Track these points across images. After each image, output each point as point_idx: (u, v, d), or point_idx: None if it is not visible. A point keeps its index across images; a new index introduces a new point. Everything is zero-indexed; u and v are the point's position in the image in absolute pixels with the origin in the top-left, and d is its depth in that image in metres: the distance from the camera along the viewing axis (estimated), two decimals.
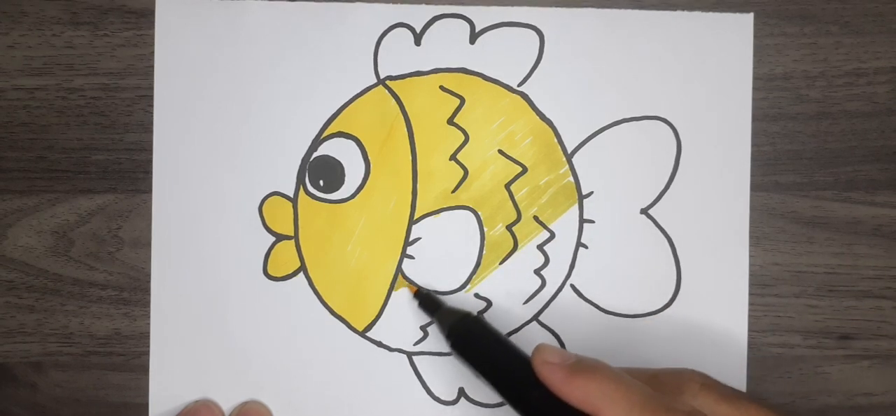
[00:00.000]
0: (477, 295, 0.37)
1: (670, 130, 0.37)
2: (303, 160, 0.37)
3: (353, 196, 0.37)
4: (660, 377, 0.32)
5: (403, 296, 0.37)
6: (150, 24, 0.37)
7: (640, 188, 0.37)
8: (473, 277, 0.37)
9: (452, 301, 0.37)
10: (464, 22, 0.37)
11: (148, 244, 0.37)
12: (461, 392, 0.37)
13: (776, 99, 0.37)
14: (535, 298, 0.37)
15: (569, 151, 0.37)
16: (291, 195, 0.37)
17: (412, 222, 0.37)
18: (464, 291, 0.37)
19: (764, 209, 0.38)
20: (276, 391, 0.37)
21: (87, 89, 0.37)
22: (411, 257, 0.37)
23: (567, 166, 0.37)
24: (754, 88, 0.37)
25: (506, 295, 0.37)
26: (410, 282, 0.37)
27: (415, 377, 0.37)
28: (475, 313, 0.35)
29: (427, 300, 0.36)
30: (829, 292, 0.38)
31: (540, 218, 0.37)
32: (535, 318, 0.37)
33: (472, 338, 0.34)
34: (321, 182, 0.37)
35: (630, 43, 0.37)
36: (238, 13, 0.37)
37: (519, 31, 0.37)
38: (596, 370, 0.30)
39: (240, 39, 0.37)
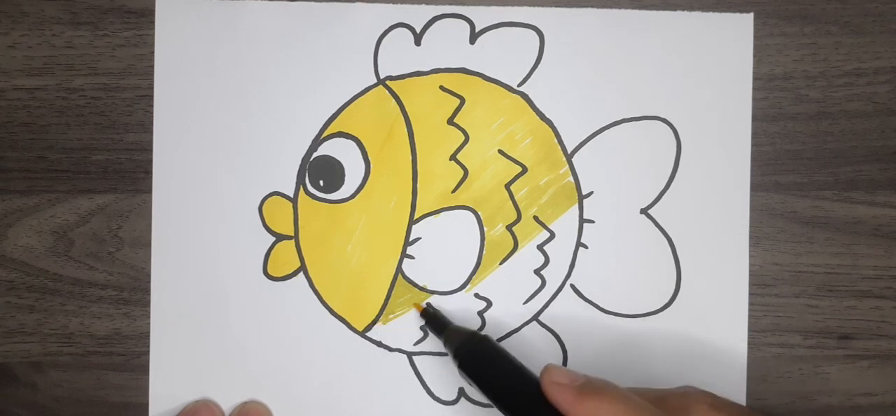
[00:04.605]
0: (477, 295, 0.37)
1: (670, 130, 0.37)
2: (303, 160, 0.37)
3: (353, 196, 0.37)
4: (667, 398, 0.32)
5: (404, 299, 0.37)
6: (150, 24, 0.37)
7: (640, 188, 0.37)
8: (473, 277, 0.37)
9: (453, 301, 0.37)
10: (464, 22, 0.37)
11: (148, 244, 0.37)
12: (461, 392, 0.37)
13: (776, 99, 0.37)
14: (535, 298, 0.37)
15: (569, 151, 0.37)
16: (291, 195, 0.37)
17: (412, 222, 0.37)
18: (464, 291, 0.37)
19: (764, 209, 0.38)
20: (276, 391, 0.37)
21: (87, 89, 0.37)
22: (411, 257, 0.37)
23: (567, 166, 0.37)
24: (754, 88, 0.37)
25: (506, 295, 0.37)
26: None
27: (415, 377, 0.37)
28: (482, 332, 0.35)
29: (434, 319, 0.36)
30: (829, 292, 0.38)
31: (540, 218, 0.37)
32: (535, 318, 0.37)
33: (479, 358, 0.34)
34: (321, 182, 0.37)
35: (630, 43, 0.37)
36: (238, 13, 0.37)
37: (519, 31, 0.37)
38: (605, 392, 0.30)
39: (240, 39, 0.37)
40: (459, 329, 0.35)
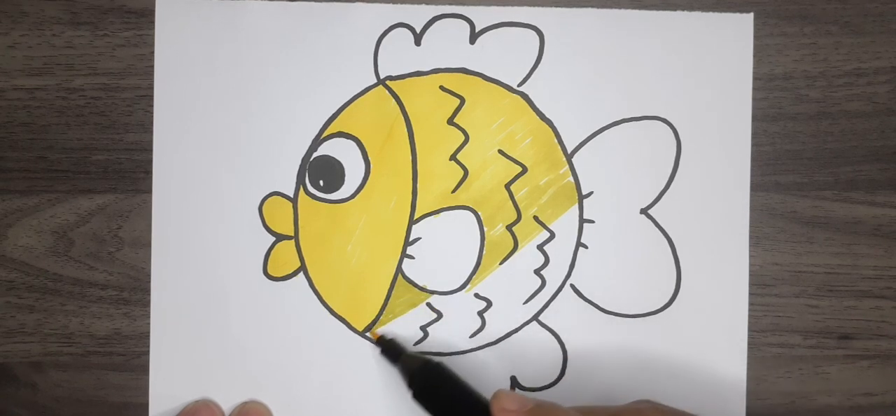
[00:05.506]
0: (477, 295, 0.37)
1: (670, 130, 0.37)
2: (303, 160, 0.37)
3: (353, 196, 0.37)
4: (621, 415, 0.32)
5: (404, 300, 0.37)
6: (150, 24, 0.37)
7: (640, 188, 0.37)
8: (473, 277, 0.37)
9: (453, 301, 0.37)
10: (464, 22, 0.37)
11: (148, 244, 0.37)
12: None
13: (776, 99, 0.37)
14: (535, 298, 0.37)
15: (569, 151, 0.37)
16: (291, 195, 0.37)
17: (412, 222, 0.37)
18: (464, 291, 0.37)
19: (764, 209, 0.38)
20: (276, 391, 0.37)
21: (87, 89, 0.37)
22: (411, 257, 0.37)
23: (567, 166, 0.37)
24: (754, 88, 0.37)
25: (506, 295, 0.37)
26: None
27: None
28: (435, 360, 0.35)
29: (389, 348, 0.36)
30: (829, 292, 0.38)
31: (540, 218, 0.37)
32: (535, 318, 0.37)
33: (432, 385, 0.34)
34: (321, 182, 0.37)
35: (630, 43, 0.37)
36: (238, 13, 0.37)
37: (519, 31, 0.37)
38: (554, 415, 0.30)
39: (240, 39, 0.37)
40: (414, 356, 0.36)
